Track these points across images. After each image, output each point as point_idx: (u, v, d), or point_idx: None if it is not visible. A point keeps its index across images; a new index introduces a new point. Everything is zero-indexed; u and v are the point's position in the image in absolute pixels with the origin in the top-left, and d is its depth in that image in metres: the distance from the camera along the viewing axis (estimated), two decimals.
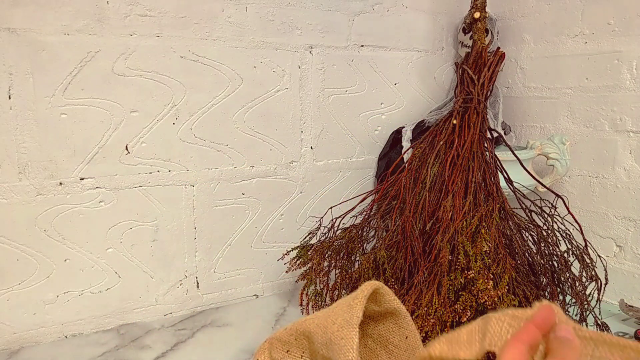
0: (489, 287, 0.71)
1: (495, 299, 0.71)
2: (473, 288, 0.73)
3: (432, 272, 0.79)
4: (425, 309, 0.75)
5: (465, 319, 0.72)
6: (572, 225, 0.87)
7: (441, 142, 0.91)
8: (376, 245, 0.91)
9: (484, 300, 0.70)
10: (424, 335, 0.73)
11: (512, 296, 0.73)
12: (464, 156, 0.88)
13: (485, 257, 0.76)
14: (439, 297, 0.75)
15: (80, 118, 0.85)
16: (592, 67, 1.06)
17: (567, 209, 0.86)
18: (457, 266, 0.77)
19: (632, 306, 0.99)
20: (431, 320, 0.73)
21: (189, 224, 0.99)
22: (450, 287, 0.75)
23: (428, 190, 0.88)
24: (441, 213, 0.84)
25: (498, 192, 0.87)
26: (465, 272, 0.75)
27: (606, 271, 0.83)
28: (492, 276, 0.73)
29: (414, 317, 0.75)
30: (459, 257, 0.77)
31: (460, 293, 0.75)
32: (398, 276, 0.84)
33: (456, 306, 0.73)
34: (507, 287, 0.73)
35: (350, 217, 1.01)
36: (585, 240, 0.85)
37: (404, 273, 0.84)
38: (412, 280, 0.82)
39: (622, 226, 1.03)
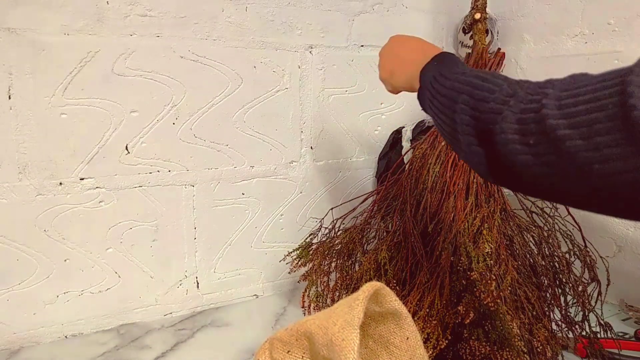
0: (491, 288, 0.71)
1: (498, 301, 0.71)
2: (475, 290, 0.73)
3: (434, 274, 0.79)
4: (428, 310, 0.74)
5: (468, 320, 0.71)
6: (573, 225, 0.86)
7: (442, 143, 0.91)
8: (377, 246, 0.91)
9: (487, 301, 0.70)
10: (426, 336, 0.72)
11: (515, 297, 0.73)
12: None
13: (487, 259, 0.76)
14: (441, 299, 0.75)
15: (80, 118, 0.85)
16: (592, 67, 1.06)
17: (567, 210, 0.86)
18: (459, 267, 0.77)
19: (632, 306, 0.99)
20: (433, 322, 0.73)
21: (189, 224, 0.99)
22: (453, 289, 0.75)
23: (430, 191, 0.88)
24: (443, 214, 0.84)
25: (499, 193, 0.87)
26: (468, 273, 0.75)
27: (608, 272, 0.83)
28: (494, 278, 0.73)
29: (416, 318, 0.75)
30: (461, 258, 0.77)
31: (463, 295, 0.74)
32: (399, 277, 0.84)
33: (459, 308, 0.73)
34: (509, 289, 0.73)
35: (352, 218, 1.01)
36: (584, 240, 0.84)
37: (406, 274, 0.84)
38: (413, 281, 0.82)
39: (622, 226, 1.03)
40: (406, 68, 0.66)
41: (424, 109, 0.61)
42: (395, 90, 0.74)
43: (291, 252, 1.00)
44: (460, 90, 0.49)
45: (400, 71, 0.69)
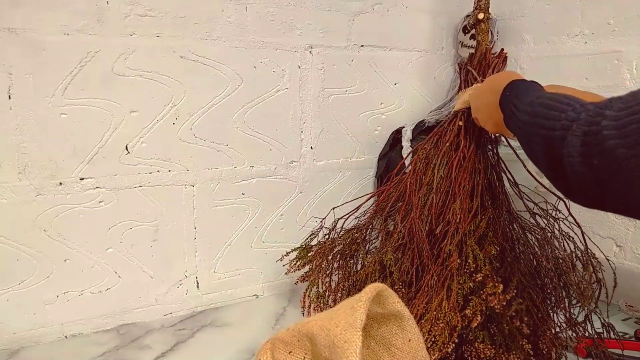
0: (498, 290, 0.71)
1: (504, 303, 0.70)
2: (482, 292, 0.73)
3: (441, 276, 0.78)
4: (434, 313, 0.74)
5: (475, 323, 0.71)
6: (575, 225, 0.86)
7: (447, 144, 0.90)
8: (382, 247, 0.90)
9: (493, 304, 0.70)
10: (432, 339, 0.72)
11: (520, 300, 0.73)
12: (470, 158, 0.87)
13: (494, 261, 0.75)
14: (448, 301, 0.74)
15: (80, 118, 0.85)
16: (592, 67, 1.06)
17: (568, 210, 0.86)
18: (465, 270, 0.76)
19: (632, 306, 0.99)
20: (440, 325, 0.72)
21: (189, 224, 0.99)
22: (460, 291, 0.75)
23: (434, 192, 0.88)
24: (450, 216, 0.84)
25: (504, 195, 0.87)
26: (474, 275, 0.75)
27: (615, 273, 0.83)
28: (500, 280, 0.73)
29: (422, 320, 0.74)
30: (468, 260, 0.76)
31: (470, 298, 0.74)
32: (405, 279, 0.84)
33: (467, 311, 0.72)
34: (515, 291, 0.72)
35: (354, 219, 1.01)
36: (585, 242, 0.84)
37: (411, 276, 0.83)
38: (420, 283, 0.81)
39: (622, 226, 1.03)
40: (491, 114, 0.71)
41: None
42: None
43: (289, 253, 0.99)
44: (532, 122, 0.51)
45: (487, 120, 0.75)
